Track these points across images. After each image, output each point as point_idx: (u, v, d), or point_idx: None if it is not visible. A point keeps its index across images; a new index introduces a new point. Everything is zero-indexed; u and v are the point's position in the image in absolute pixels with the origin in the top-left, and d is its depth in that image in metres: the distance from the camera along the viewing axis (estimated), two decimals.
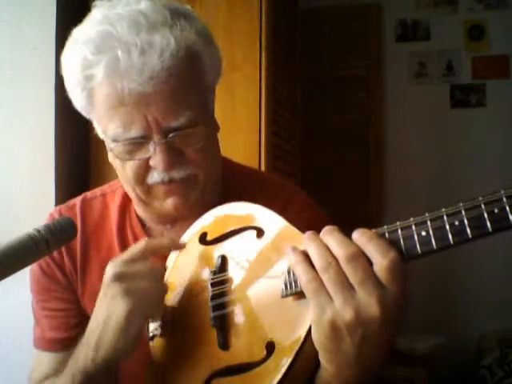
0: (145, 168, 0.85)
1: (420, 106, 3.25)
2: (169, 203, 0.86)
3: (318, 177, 2.98)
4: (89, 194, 1.03)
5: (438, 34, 3.28)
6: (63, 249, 0.96)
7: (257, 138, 1.74)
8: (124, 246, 0.94)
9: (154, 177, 0.85)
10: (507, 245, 3.01)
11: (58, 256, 0.96)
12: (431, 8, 3.29)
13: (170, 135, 0.81)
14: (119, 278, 0.75)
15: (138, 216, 0.97)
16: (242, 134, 1.70)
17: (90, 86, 0.82)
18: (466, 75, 3.24)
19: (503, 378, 2.51)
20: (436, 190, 3.07)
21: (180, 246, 0.86)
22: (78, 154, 1.81)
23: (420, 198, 2.96)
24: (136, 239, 0.94)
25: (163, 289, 0.78)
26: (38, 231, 0.66)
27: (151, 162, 0.83)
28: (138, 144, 0.83)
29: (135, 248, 0.80)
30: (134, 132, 0.81)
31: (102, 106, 0.82)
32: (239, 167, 1.04)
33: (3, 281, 0.65)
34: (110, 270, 0.76)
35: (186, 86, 0.82)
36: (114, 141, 0.83)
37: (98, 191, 1.03)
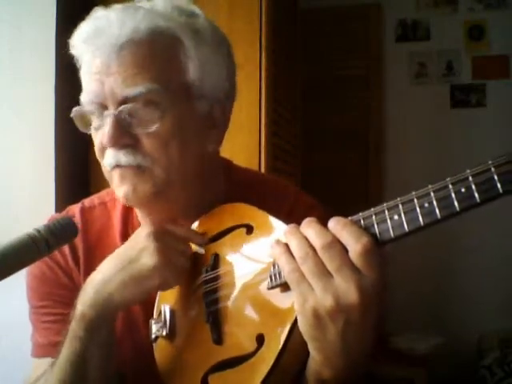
0: (102, 146, 0.84)
1: (420, 106, 3.25)
2: (120, 191, 0.83)
3: (318, 177, 2.98)
4: (86, 202, 1.00)
5: (438, 34, 3.28)
6: (68, 254, 0.94)
7: (257, 139, 1.74)
8: None
9: (107, 158, 0.83)
10: (507, 245, 3.01)
11: (63, 260, 0.94)
12: (431, 8, 3.29)
13: (122, 107, 0.80)
14: (156, 237, 0.80)
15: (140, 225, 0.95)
16: (242, 134, 1.70)
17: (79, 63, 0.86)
18: (466, 75, 3.24)
19: (503, 378, 2.51)
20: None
21: (203, 242, 0.86)
22: (77, 154, 1.81)
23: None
24: None
25: (184, 268, 0.82)
26: (38, 231, 0.66)
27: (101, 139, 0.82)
28: (99, 117, 0.83)
29: (175, 228, 0.86)
30: (91, 97, 0.82)
31: (83, 79, 0.85)
32: (242, 171, 1.03)
33: (3, 281, 0.65)
34: (149, 228, 0.82)
35: (150, 62, 0.80)
36: (83, 108, 0.85)
37: (95, 199, 1.00)
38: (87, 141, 1.73)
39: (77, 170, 1.82)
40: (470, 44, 3.24)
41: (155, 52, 0.81)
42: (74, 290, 0.92)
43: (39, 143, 1.72)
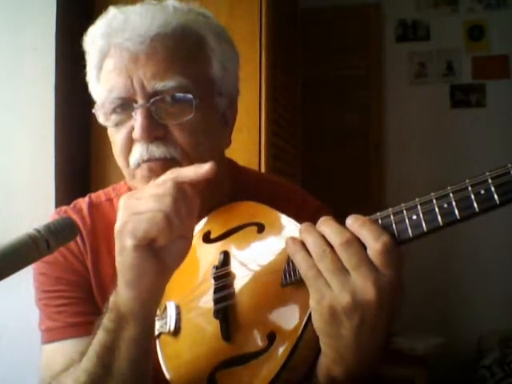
0: (128, 142, 0.82)
1: (420, 106, 3.25)
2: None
3: (318, 177, 2.98)
4: (93, 197, 0.99)
5: (438, 34, 3.27)
6: (81, 243, 0.93)
7: (257, 138, 1.74)
8: None
9: (135, 153, 0.82)
10: (507, 245, 3.01)
11: (76, 247, 0.93)
12: (431, 8, 3.29)
13: (154, 99, 0.79)
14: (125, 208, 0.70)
15: None
16: (242, 134, 1.70)
17: (97, 61, 0.84)
18: (466, 75, 3.24)
19: (503, 378, 2.51)
20: (436, 189, 3.06)
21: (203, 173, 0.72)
22: (78, 154, 1.81)
23: (420, 197, 2.95)
24: None
25: (167, 206, 0.67)
26: (38, 231, 0.66)
27: (133, 133, 0.81)
28: (123, 113, 0.82)
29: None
30: (116, 93, 0.81)
31: (102, 75, 0.84)
32: (247, 171, 1.03)
33: (3, 281, 0.65)
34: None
35: (180, 57, 0.81)
36: (103, 107, 0.83)
37: (102, 196, 1.00)
38: (87, 141, 1.73)
39: (77, 170, 1.82)
40: (470, 44, 3.24)
41: (184, 46, 0.81)
42: (86, 276, 0.92)
43: (39, 143, 1.72)
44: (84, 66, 0.88)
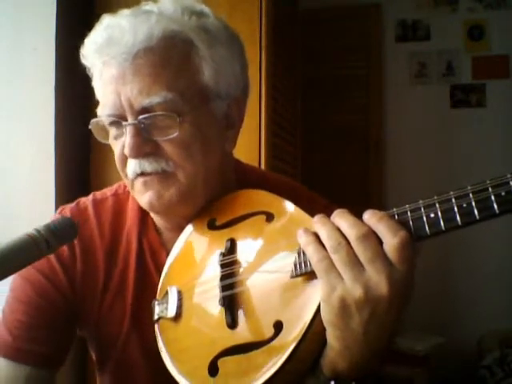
0: (123, 156, 0.83)
1: (420, 106, 3.25)
2: (145, 198, 0.83)
3: (318, 177, 2.98)
4: (98, 195, 0.99)
5: (438, 34, 3.28)
6: (79, 254, 0.91)
7: (257, 138, 1.74)
8: (140, 256, 0.93)
9: (130, 167, 0.83)
10: (507, 244, 3.01)
11: (69, 257, 0.91)
12: (431, 8, 3.29)
13: (141, 117, 0.79)
14: None
15: (155, 225, 0.94)
16: (242, 134, 1.69)
17: (93, 74, 0.84)
18: (466, 75, 3.24)
19: (503, 378, 2.51)
20: (436, 189, 3.04)
21: None
22: (78, 154, 1.81)
23: (420, 197, 2.95)
24: (152, 249, 0.93)
25: None
26: (38, 231, 0.66)
27: (124, 150, 0.81)
28: (118, 128, 0.82)
29: None
30: (108, 110, 0.81)
31: (97, 90, 0.85)
32: (254, 171, 1.04)
33: (3, 281, 0.65)
34: None
35: (166, 71, 0.79)
36: (98, 120, 0.84)
37: (107, 192, 0.99)
38: (87, 141, 1.73)
39: (77, 170, 1.82)
40: (470, 44, 3.24)
41: (170, 59, 0.80)
42: (67, 294, 0.90)
43: (39, 143, 1.72)
44: (84, 66, 0.88)
